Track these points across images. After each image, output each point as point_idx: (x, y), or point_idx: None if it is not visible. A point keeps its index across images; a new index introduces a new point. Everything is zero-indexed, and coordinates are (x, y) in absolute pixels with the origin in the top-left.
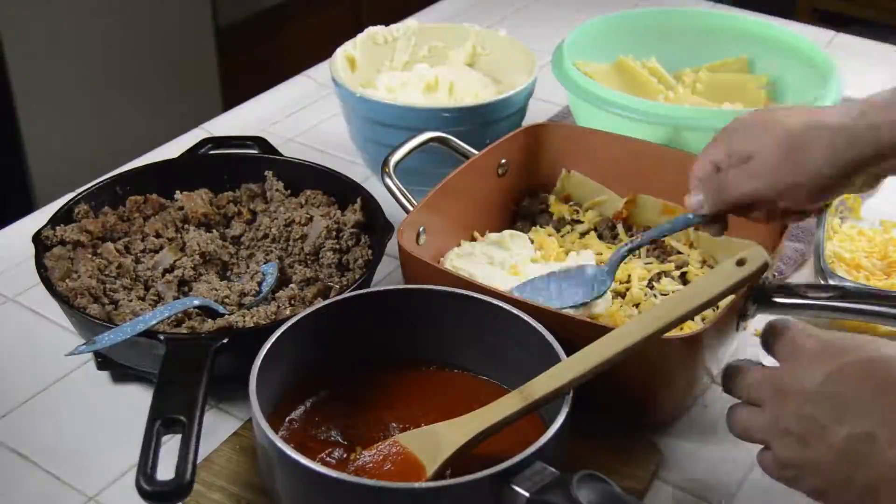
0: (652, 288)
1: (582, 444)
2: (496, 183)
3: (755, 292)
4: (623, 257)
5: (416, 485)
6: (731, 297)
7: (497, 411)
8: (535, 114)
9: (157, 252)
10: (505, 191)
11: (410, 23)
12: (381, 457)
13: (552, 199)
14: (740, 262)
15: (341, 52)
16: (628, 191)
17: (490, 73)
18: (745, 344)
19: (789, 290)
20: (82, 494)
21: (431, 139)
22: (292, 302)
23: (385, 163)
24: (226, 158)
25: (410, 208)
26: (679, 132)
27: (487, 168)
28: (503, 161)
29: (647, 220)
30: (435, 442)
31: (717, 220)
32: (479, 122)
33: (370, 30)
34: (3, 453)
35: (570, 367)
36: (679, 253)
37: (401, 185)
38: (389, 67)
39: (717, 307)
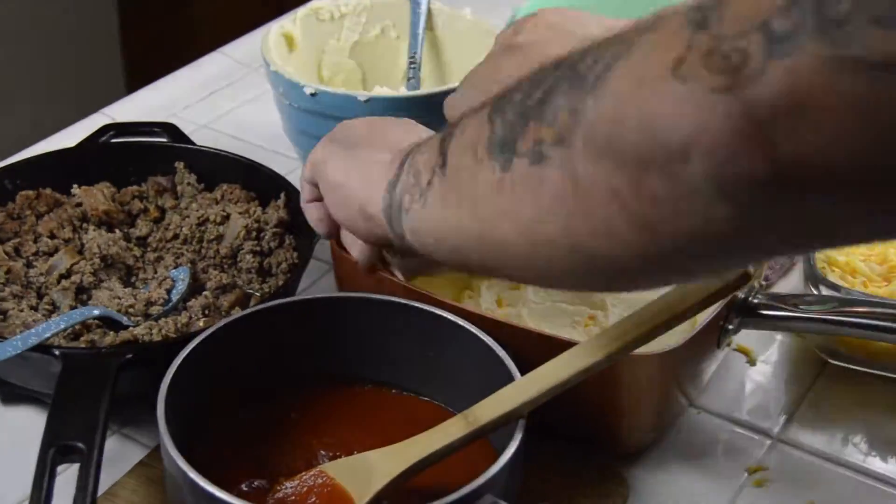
0: None
1: (538, 474)
2: None
3: (738, 304)
4: None
5: None
6: (710, 310)
7: (437, 439)
8: None
9: (51, 255)
10: None
11: None
12: (304, 488)
13: None
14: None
15: (277, 29)
16: None
17: (448, 56)
18: (730, 362)
19: (778, 301)
20: None
21: None
22: (206, 312)
23: None
24: (130, 148)
25: None
26: None
27: None
28: None
29: None
30: (366, 472)
31: None
32: (435, 113)
33: (314, 3)
34: None
35: (523, 389)
36: None
37: None
38: (336, 49)
39: (695, 321)
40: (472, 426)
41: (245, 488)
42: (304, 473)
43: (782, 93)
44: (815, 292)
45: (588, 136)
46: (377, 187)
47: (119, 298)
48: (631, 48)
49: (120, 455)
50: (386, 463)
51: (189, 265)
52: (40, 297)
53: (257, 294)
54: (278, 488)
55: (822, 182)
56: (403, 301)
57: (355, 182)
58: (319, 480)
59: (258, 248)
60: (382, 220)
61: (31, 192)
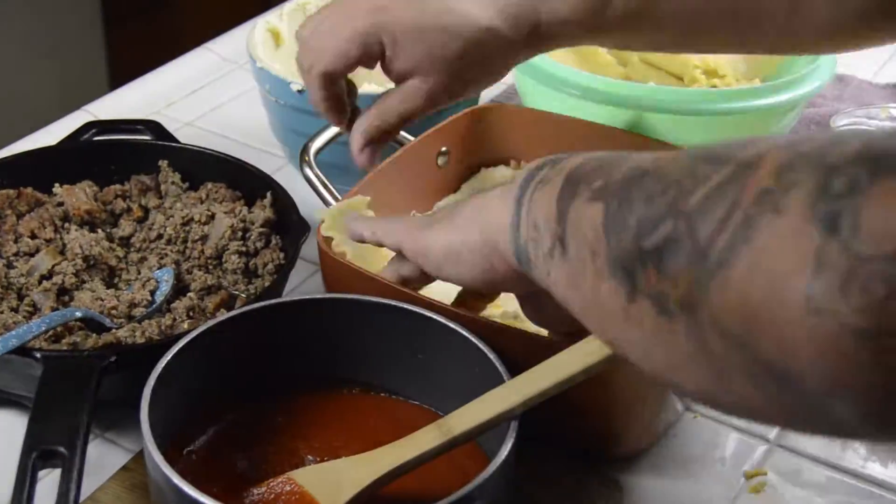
0: None
1: (530, 479)
2: (436, 174)
3: None
4: None
5: None
6: None
7: (409, 448)
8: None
9: (32, 255)
10: (446, 183)
11: None
12: (272, 496)
13: None
14: None
15: (263, 24)
16: None
17: None
18: None
19: None
20: None
21: None
22: (191, 313)
23: (304, 150)
24: (113, 146)
25: (333, 203)
26: (642, 115)
27: (425, 157)
28: (443, 149)
29: None
30: (335, 480)
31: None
32: None
33: None
34: None
35: (505, 397)
36: None
37: (322, 176)
38: None
39: None
40: (445, 437)
41: (231, 494)
42: (271, 480)
43: None
44: None
45: (715, 321)
46: (500, 232)
47: (102, 300)
48: (752, 226)
49: (102, 460)
50: (356, 472)
51: (173, 266)
52: (21, 298)
53: (243, 295)
54: (245, 495)
55: None
56: (392, 302)
57: (472, 236)
58: (287, 488)
59: (244, 249)
60: (515, 262)
61: (11, 191)
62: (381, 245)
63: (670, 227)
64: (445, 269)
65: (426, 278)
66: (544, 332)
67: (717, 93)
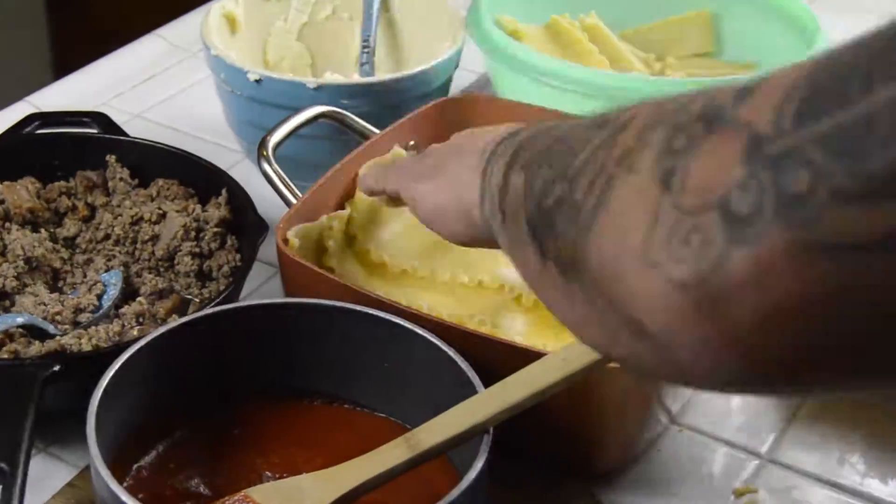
0: None
1: (504, 497)
2: None
3: None
4: None
5: None
6: None
7: (375, 464)
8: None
9: None
10: None
11: None
12: None
13: None
14: None
15: (218, 9)
16: None
17: (405, 39)
18: None
19: None
20: None
21: (322, 114)
22: (141, 319)
23: (263, 144)
24: (57, 139)
25: (294, 201)
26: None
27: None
28: (411, 143)
29: None
30: (296, 498)
31: None
32: (390, 102)
33: None
34: None
35: (477, 409)
36: None
37: (282, 173)
38: (283, 31)
39: None
40: (413, 451)
41: None
42: (227, 498)
43: (749, 287)
44: None
45: (594, 281)
46: (473, 205)
47: (45, 305)
48: (612, 186)
49: (46, 476)
50: (318, 489)
51: (122, 268)
52: None
53: (196, 300)
54: None
55: (801, 378)
56: (357, 307)
57: (454, 201)
58: None
59: (197, 250)
60: (488, 231)
61: None
62: (384, 193)
63: (559, 190)
64: (434, 224)
65: (396, 202)
66: (519, 340)
67: (699, 82)
